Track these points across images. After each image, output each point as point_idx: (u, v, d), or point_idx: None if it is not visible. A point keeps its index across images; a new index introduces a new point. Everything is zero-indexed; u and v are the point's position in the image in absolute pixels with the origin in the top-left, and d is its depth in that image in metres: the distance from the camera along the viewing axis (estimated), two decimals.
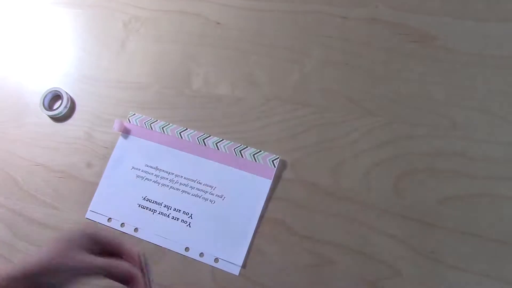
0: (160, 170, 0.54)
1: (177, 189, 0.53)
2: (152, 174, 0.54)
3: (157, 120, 0.56)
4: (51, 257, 0.35)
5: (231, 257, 0.49)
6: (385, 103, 0.51)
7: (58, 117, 0.61)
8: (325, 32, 0.56)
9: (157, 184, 0.54)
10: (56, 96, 0.62)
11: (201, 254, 0.50)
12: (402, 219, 0.47)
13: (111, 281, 0.37)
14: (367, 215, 0.48)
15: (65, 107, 0.60)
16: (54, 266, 0.35)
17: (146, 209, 0.53)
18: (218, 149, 0.53)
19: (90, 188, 0.57)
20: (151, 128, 0.56)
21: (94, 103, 0.61)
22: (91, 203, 0.55)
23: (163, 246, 0.51)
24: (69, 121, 0.61)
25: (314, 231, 0.49)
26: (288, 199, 0.50)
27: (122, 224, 0.53)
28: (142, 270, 0.38)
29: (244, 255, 0.49)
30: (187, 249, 0.50)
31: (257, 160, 0.52)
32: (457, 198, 0.46)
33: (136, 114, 0.58)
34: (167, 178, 0.54)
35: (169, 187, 0.53)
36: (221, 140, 0.54)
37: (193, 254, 0.50)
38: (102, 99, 0.60)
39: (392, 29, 0.54)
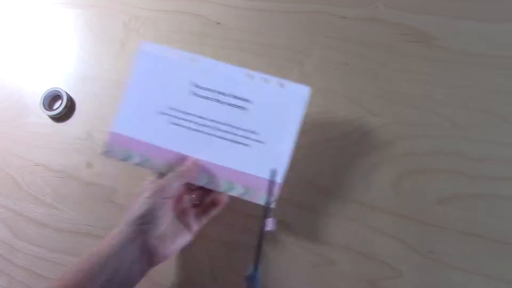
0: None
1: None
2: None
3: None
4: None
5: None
6: (385, 103, 0.51)
7: (58, 117, 0.61)
8: (325, 32, 0.56)
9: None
10: (56, 96, 0.62)
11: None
12: (402, 219, 0.47)
13: None
14: (367, 215, 0.48)
15: (65, 107, 0.60)
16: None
17: None
18: None
19: (90, 188, 0.57)
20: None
21: (94, 103, 0.61)
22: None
23: None
24: (69, 121, 0.61)
25: (314, 231, 0.49)
26: (288, 199, 0.50)
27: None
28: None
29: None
30: None
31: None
32: (457, 198, 0.46)
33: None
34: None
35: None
36: None
37: None
38: (102, 99, 0.60)
39: (392, 29, 0.54)
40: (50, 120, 0.61)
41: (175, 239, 0.44)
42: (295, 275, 0.48)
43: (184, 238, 0.46)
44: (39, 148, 0.60)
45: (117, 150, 0.48)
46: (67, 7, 0.67)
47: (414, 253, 0.45)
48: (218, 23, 0.60)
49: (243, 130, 0.47)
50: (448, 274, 0.44)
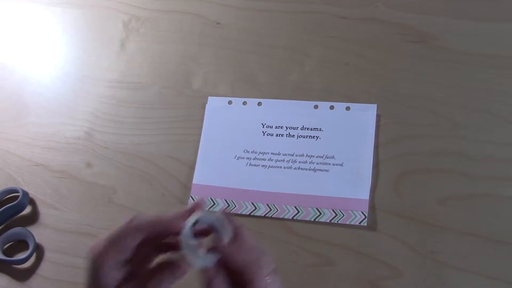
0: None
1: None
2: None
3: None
4: None
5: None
6: (385, 103, 0.51)
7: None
8: (325, 32, 0.56)
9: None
10: None
11: None
12: (402, 219, 0.47)
13: None
14: (367, 215, 0.48)
15: None
16: None
17: None
18: None
19: (90, 188, 0.57)
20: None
21: (94, 103, 0.61)
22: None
23: None
24: (69, 121, 0.61)
25: (314, 231, 0.49)
26: None
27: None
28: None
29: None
30: None
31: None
32: (457, 198, 0.46)
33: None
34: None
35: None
36: None
37: None
38: (102, 99, 0.60)
39: (392, 29, 0.54)
40: (50, 120, 0.61)
41: None
42: (295, 275, 0.48)
43: None
44: (39, 148, 0.60)
45: None
46: (67, 7, 0.67)
47: (414, 253, 0.45)
48: (218, 23, 0.60)
49: (320, 157, 0.49)
50: (448, 274, 0.44)
